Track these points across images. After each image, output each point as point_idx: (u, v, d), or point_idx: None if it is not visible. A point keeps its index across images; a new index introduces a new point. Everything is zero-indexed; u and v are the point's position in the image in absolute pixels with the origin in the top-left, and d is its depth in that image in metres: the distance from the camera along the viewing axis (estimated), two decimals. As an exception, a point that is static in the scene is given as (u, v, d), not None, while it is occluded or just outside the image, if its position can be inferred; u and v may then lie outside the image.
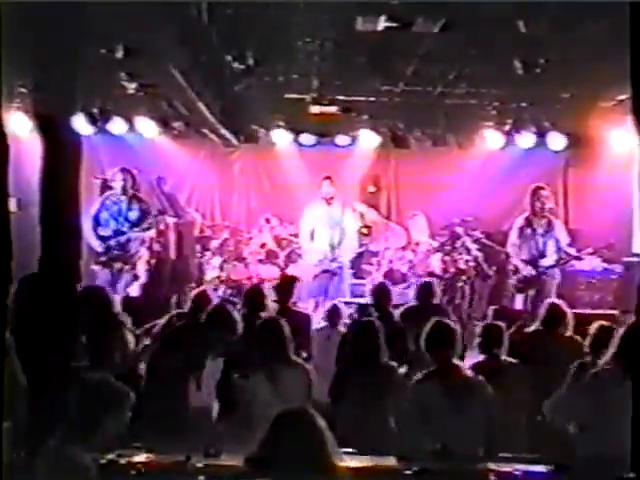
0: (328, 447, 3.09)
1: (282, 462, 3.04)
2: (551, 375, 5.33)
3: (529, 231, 9.65)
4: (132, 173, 10.19)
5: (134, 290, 10.12)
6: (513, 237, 9.79)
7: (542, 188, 9.78)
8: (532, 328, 6.57)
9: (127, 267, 9.94)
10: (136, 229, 9.99)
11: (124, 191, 10.03)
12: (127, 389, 3.74)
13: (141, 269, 10.29)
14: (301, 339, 6.14)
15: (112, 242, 9.87)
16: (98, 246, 9.83)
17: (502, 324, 5.94)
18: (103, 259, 9.85)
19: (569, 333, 6.37)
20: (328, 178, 10.80)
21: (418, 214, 11.89)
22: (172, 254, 11.53)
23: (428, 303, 7.46)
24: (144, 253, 10.34)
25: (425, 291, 7.64)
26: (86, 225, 9.73)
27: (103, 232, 9.91)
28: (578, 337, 6.07)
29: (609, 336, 4.82)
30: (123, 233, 9.93)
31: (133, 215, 10.02)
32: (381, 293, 7.46)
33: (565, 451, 4.61)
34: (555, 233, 9.70)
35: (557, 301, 6.90)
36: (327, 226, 10.65)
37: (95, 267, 9.81)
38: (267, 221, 11.86)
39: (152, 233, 10.44)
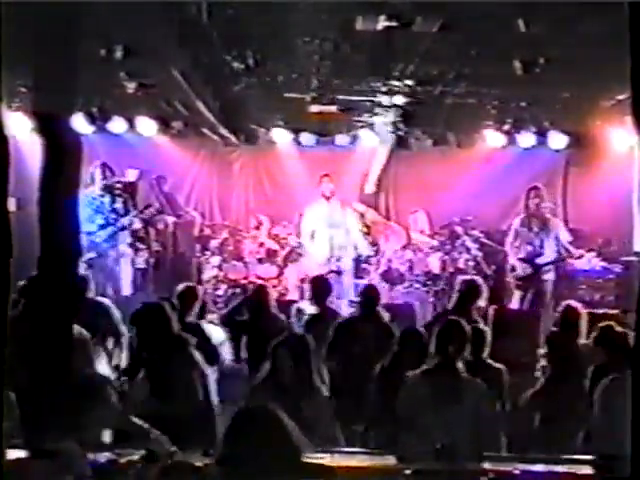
0: (293, 446, 3.00)
1: (242, 461, 2.95)
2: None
3: (526, 231, 9.74)
4: (111, 167, 10.21)
5: (128, 289, 10.05)
6: (510, 237, 9.95)
7: (537, 188, 9.91)
8: (551, 330, 6.50)
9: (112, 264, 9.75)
10: (120, 221, 9.90)
11: (105, 186, 9.99)
12: (105, 377, 3.71)
13: (126, 267, 10.10)
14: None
15: (97, 238, 9.69)
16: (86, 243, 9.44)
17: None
18: (92, 256, 9.51)
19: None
20: (326, 175, 10.99)
21: (419, 211, 11.90)
22: (171, 253, 11.54)
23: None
24: (129, 250, 10.19)
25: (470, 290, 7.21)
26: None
27: (88, 228, 9.57)
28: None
29: None
30: (107, 226, 9.80)
31: (115, 208, 9.94)
32: (369, 294, 7.26)
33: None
34: (553, 232, 9.75)
35: (573, 303, 6.81)
36: (328, 225, 10.68)
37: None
38: (257, 226, 11.78)
39: (136, 226, 10.33)
